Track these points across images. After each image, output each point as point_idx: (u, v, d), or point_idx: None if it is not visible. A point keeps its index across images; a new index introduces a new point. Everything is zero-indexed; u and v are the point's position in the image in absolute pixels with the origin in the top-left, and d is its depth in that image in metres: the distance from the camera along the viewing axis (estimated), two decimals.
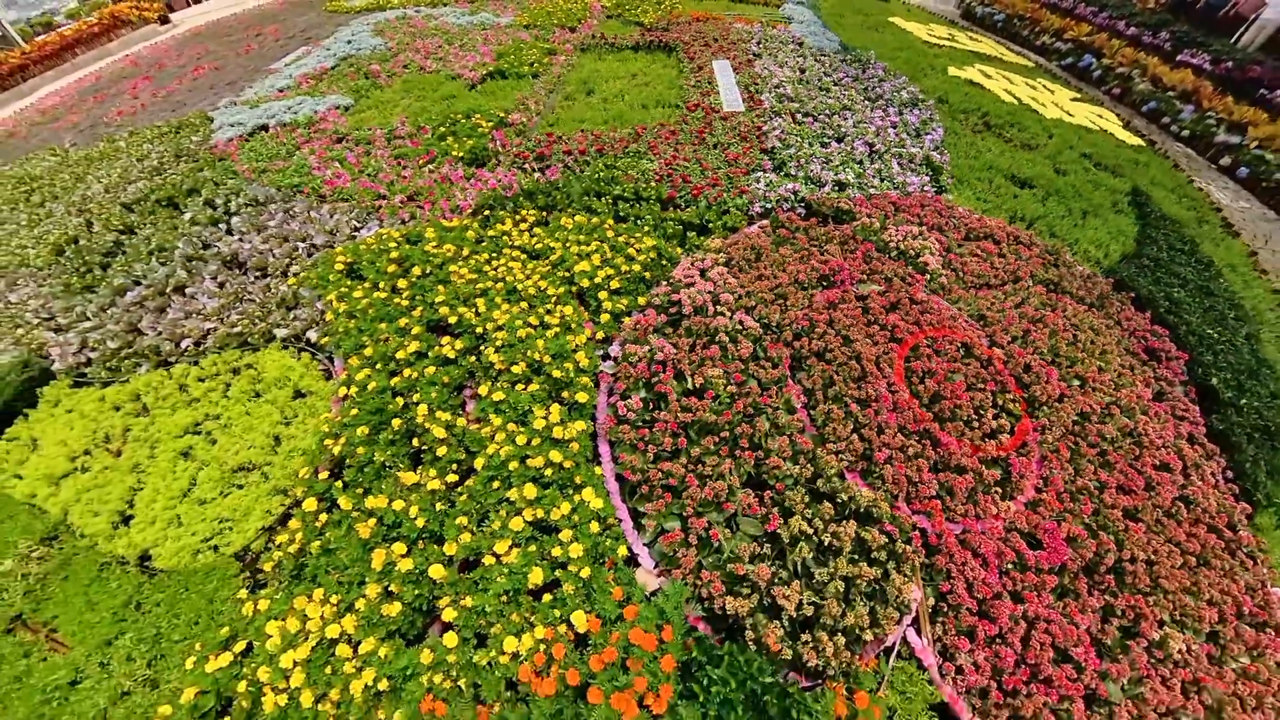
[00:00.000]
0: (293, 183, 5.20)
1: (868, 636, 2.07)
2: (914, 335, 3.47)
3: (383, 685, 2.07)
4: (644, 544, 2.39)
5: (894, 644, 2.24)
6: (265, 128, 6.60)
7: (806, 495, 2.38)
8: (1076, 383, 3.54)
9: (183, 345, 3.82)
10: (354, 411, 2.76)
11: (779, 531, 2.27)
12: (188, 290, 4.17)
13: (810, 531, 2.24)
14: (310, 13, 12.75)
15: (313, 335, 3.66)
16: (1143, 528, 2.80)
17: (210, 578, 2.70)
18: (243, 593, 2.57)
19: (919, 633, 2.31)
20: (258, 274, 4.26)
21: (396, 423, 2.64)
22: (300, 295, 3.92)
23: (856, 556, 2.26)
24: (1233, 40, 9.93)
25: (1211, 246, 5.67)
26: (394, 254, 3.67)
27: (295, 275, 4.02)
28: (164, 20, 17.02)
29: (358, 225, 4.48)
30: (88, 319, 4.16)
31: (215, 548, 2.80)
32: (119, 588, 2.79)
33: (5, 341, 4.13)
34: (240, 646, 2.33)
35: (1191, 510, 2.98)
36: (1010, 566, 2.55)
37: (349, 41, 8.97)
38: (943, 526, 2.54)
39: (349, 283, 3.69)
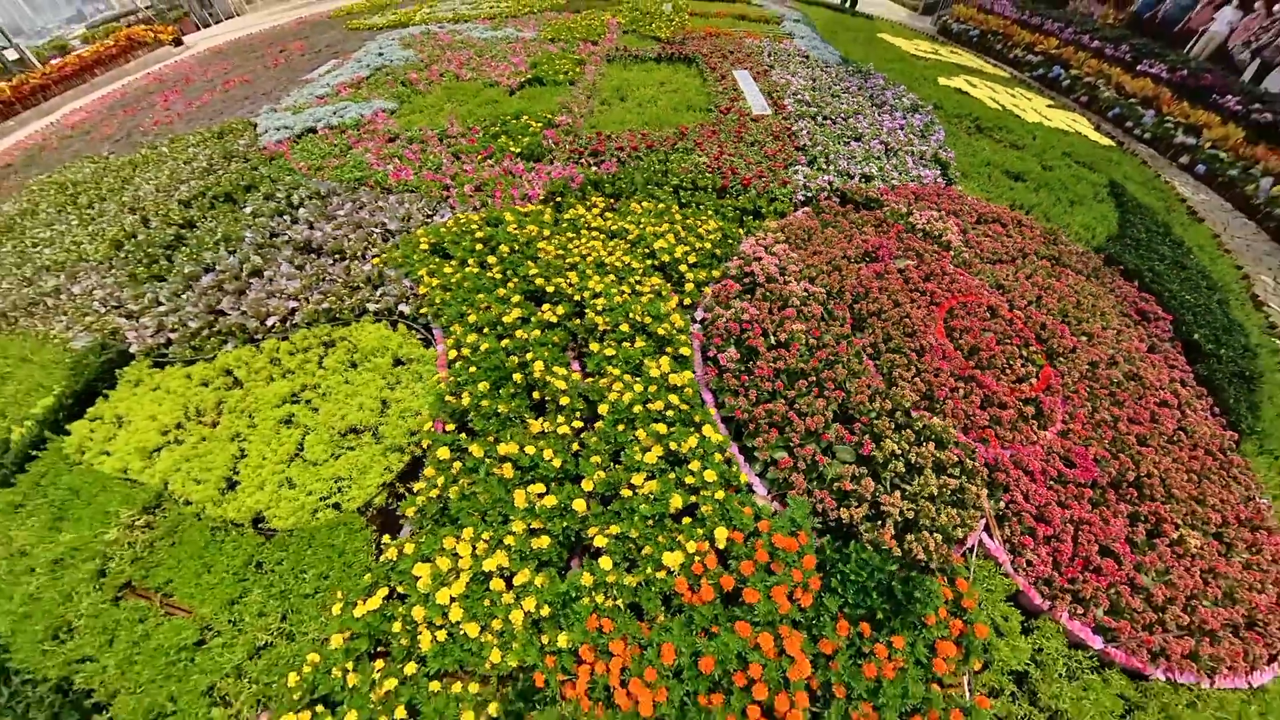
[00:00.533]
0: (354, 177, 5.48)
1: (958, 534, 2.47)
2: (949, 300, 3.94)
3: (544, 612, 2.24)
4: (755, 474, 2.76)
5: (973, 545, 2.64)
6: (313, 130, 6.86)
7: (891, 424, 2.79)
8: (1084, 338, 4.05)
9: (269, 323, 4.03)
10: (472, 369, 3.05)
11: (873, 454, 2.67)
12: (265, 274, 4.41)
13: (899, 452, 2.65)
14: (331, 31, 13.00)
15: (405, 309, 3.92)
16: (1152, 451, 3.28)
17: (335, 533, 2.82)
18: (386, 538, 2.69)
19: (990, 536, 2.72)
20: (334, 258, 4.51)
21: (518, 377, 2.94)
22: (385, 274, 4.17)
23: (935, 472, 2.67)
24: (1185, 51, 10.85)
25: (1181, 230, 6.32)
26: (479, 234, 4.00)
27: (377, 257, 4.28)
28: (177, 43, 17.22)
29: (429, 213, 4.79)
30: (161, 304, 4.36)
31: (336, 505, 2.94)
32: (236, 549, 2.87)
33: (76, 328, 4.32)
34: (383, 592, 2.41)
35: (1190, 438, 3.48)
36: (1053, 482, 2.99)
37: (380, 54, 9.27)
38: (997, 449, 2.97)
39: (436, 261, 3.99)
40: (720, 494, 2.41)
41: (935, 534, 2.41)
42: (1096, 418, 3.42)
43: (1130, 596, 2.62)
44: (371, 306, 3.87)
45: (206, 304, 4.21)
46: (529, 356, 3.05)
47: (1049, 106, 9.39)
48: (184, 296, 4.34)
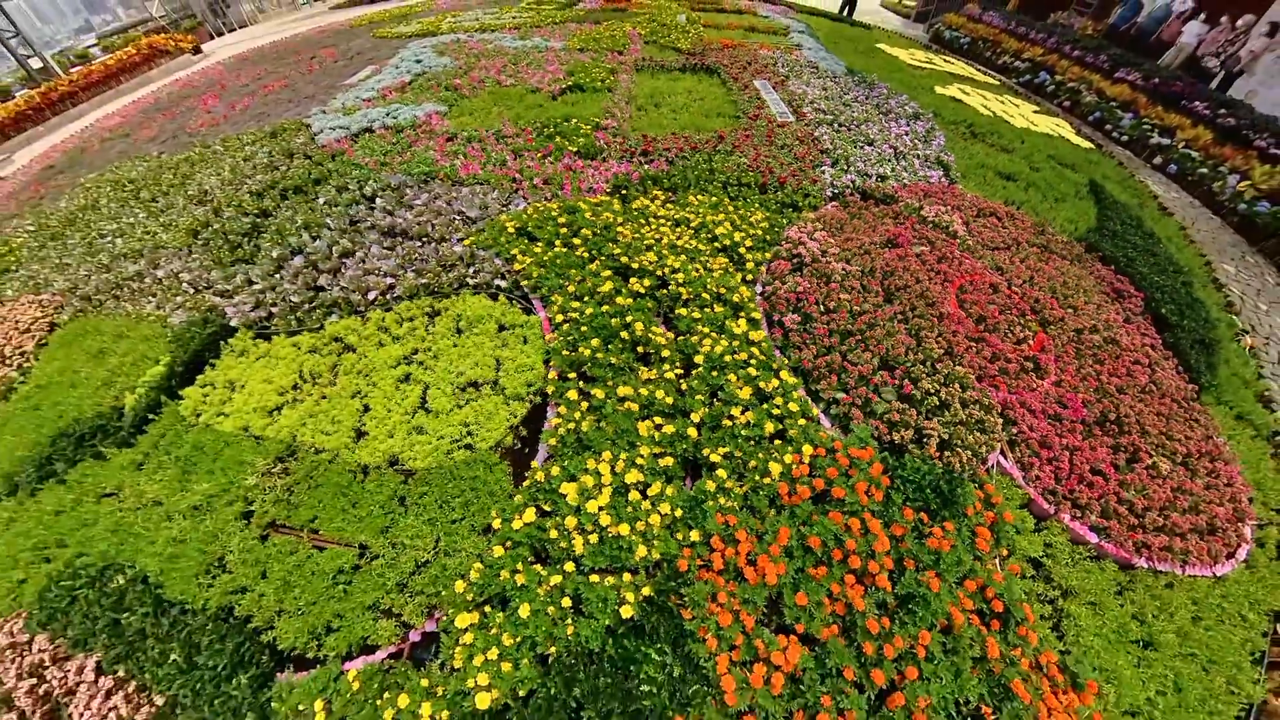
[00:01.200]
0: (422, 171, 5.96)
1: (983, 452, 3.13)
2: (959, 278, 4.61)
3: (677, 514, 2.75)
4: (821, 411, 3.41)
5: (993, 463, 3.31)
6: (369, 130, 7.33)
7: (924, 370, 3.45)
8: (1070, 310, 4.73)
9: (370, 296, 4.44)
10: (583, 329, 3.62)
11: (912, 393, 3.32)
12: (356, 255, 4.86)
13: (932, 391, 3.31)
14: (358, 39, 13.43)
15: (501, 283, 4.39)
16: (1129, 397, 3.97)
17: (473, 468, 3.19)
18: (535, 464, 3.14)
19: (1005, 457, 3.39)
20: (421, 240, 4.98)
21: (625, 334, 3.55)
22: (476, 254, 4.63)
23: (961, 406, 3.33)
24: (1158, 61, 11.67)
25: (1152, 223, 7.06)
26: (560, 220, 4.59)
27: (466, 239, 4.77)
28: (196, 51, 17.63)
29: (504, 203, 5.33)
30: (253, 283, 4.79)
31: (468, 446, 3.33)
32: (379, 487, 3.18)
33: (168, 306, 4.77)
34: (532, 511, 2.79)
35: (1159, 389, 4.17)
36: (1051, 418, 3.66)
37: (417, 61, 9.78)
38: (1005, 393, 3.64)
39: (525, 242, 4.55)
40: (801, 421, 3.05)
41: (966, 450, 3.07)
42: (1083, 372, 4.10)
43: (1117, 504, 3.30)
44: (471, 281, 4.39)
45: (304, 281, 4.67)
46: (629, 319, 3.65)
47: (1035, 113, 10.14)
48: (278, 275, 4.80)
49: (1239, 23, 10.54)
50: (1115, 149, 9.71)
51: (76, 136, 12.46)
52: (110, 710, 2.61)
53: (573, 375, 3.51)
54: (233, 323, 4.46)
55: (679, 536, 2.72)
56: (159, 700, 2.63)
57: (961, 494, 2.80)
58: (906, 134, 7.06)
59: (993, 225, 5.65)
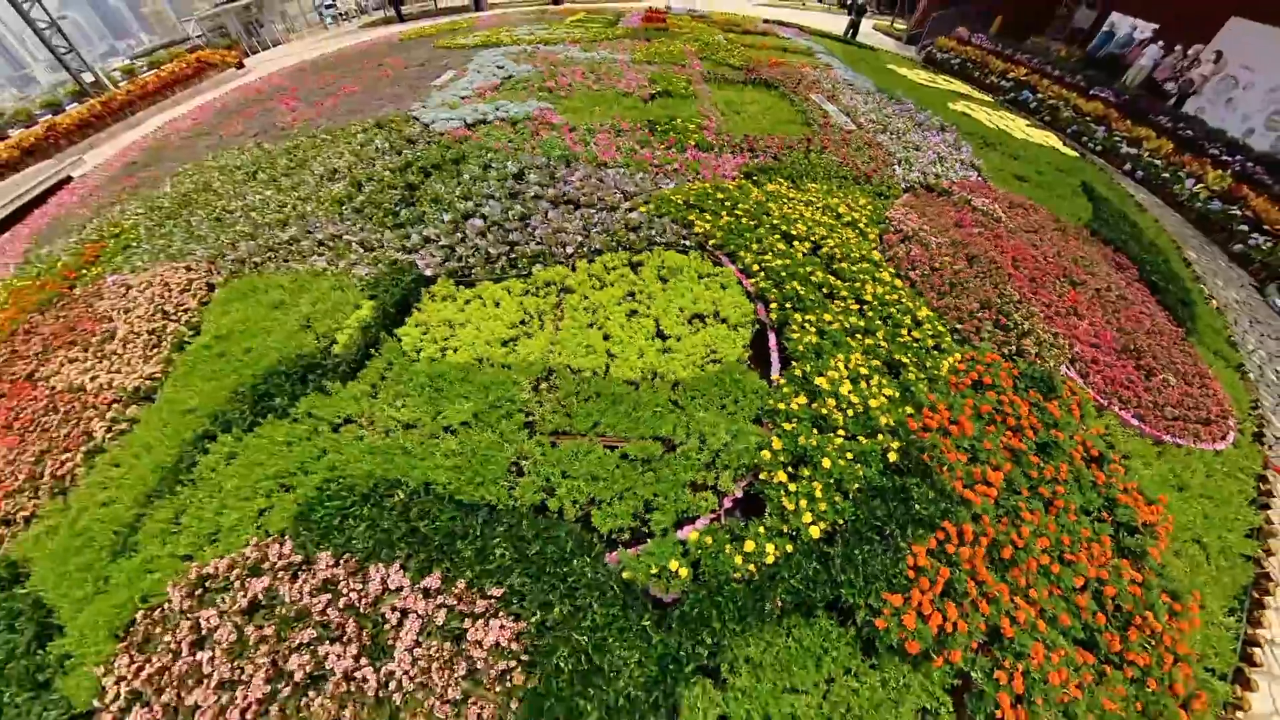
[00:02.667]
0: (560, 155, 6.70)
1: (1061, 360, 4.38)
2: (1010, 251, 5.90)
3: (895, 394, 3.79)
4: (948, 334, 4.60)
5: (1063, 372, 4.56)
6: (485, 121, 8.06)
7: (1011, 308, 4.70)
8: (1090, 275, 6.08)
9: (568, 250, 5.14)
10: (783, 274, 4.58)
11: (1007, 324, 4.56)
12: (534, 218, 5.53)
13: (1020, 321, 4.55)
14: (418, 49, 14.16)
15: (686, 242, 5.21)
16: (1141, 335, 5.30)
17: (729, 374, 3.98)
18: (777, 369, 4.09)
19: (1069, 368, 4.65)
20: (593, 208, 5.70)
21: (817, 276, 4.64)
22: (654, 220, 5.40)
23: (1040, 331, 4.59)
24: (1122, 79, 13.38)
25: (1134, 216, 8.57)
26: (719, 196, 5.64)
27: (641, 207, 5.57)
28: (239, 66, 18.19)
29: (654, 182, 6.16)
30: (432, 239, 5.46)
31: (716, 360, 4.12)
32: (653, 395, 3.85)
33: (343, 263, 5.35)
34: (803, 397, 3.67)
35: (1160, 331, 5.53)
36: (1091, 345, 4.96)
37: (500, 67, 10.65)
38: (1061, 327, 4.93)
39: (695, 212, 5.45)
40: (946, 339, 4.26)
41: (1050, 359, 4.31)
42: (1106, 317, 5.43)
43: (1148, 401, 4.59)
44: (659, 240, 5.22)
45: (495, 238, 5.33)
46: (807, 269, 4.70)
47: (1028, 126, 11.67)
48: (457, 234, 5.40)
49: (1190, 50, 12.30)
50: (1092, 157, 11.29)
51: (149, 137, 12.90)
52: (440, 610, 2.68)
53: (788, 306, 4.43)
54: (427, 273, 5.05)
55: (901, 410, 3.75)
56: (496, 593, 2.76)
57: (1057, 383, 4.04)
58: (940, 142, 8.39)
59: (1022, 214, 6.99)
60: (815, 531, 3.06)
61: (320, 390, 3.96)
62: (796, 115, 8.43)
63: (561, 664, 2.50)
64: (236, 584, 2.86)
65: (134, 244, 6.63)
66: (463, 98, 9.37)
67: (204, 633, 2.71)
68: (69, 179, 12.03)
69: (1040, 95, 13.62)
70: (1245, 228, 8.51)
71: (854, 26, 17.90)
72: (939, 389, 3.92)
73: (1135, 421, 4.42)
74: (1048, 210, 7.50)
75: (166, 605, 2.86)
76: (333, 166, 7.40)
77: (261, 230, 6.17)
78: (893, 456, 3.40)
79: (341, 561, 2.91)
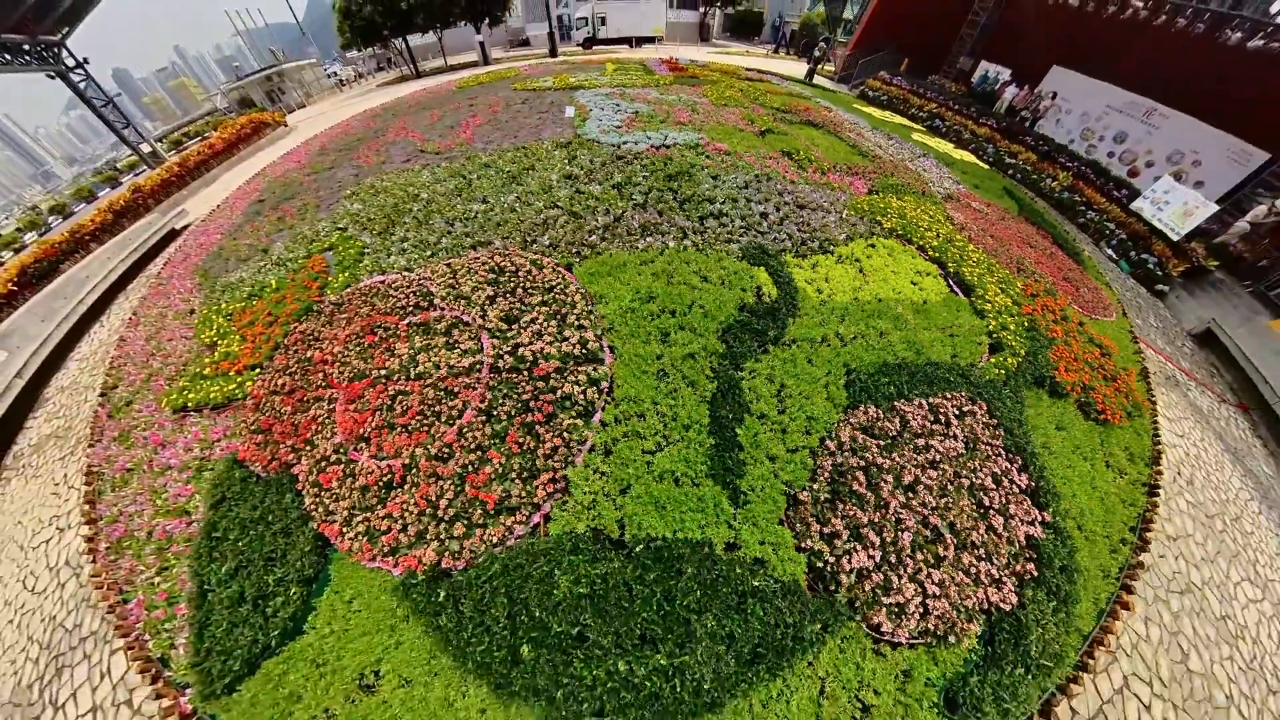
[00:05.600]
0: (755, 174, 9.57)
1: (1050, 286, 8.75)
2: (1001, 229, 10.33)
3: (1010, 301, 7.99)
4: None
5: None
6: (667, 145, 10.09)
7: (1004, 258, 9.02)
8: (1035, 241, 10.72)
9: (819, 241, 8.08)
10: (941, 247, 8.36)
11: (1023, 265, 8.84)
12: (791, 217, 8.72)
13: (1029, 265, 8.85)
14: (492, 93, 15.99)
15: (877, 232, 8.96)
16: (1065, 268, 9.96)
17: (948, 304, 7.36)
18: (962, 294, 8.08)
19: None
20: (814, 210, 8.78)
21: (956, 245, 8.47)
22: (859, 220, 8.85)
23: (1034, 272, 8.92)
24: (995, 109, 19.18)
25: (1036, 208, 13.76)
26: (885, 204, 9.25)
27: (846, 209, 9.01)
28: (283, 124, 19.70)
29: (835, 196, 9.67)
30: (733, 225, 8.66)
31: (925, 300, 7.86)
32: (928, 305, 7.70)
33: (678, 240, 8.63)
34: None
35: (1072, 267, 10.27)
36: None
37: (617, 106, 12.99)
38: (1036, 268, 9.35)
39: (878, 214, 9.06)
40: (1005, 271, 8.36)
41: (1044, 281, 8.64)
42: (1049, 261, 10.02)
43: (1079, 298, 9.13)
44: (863, 231, 8.60)
45: (788, 231, 8.21)
46: (953, 243, 8.48)
47: (954, 148, 16.85)
48: (748, 223, 8.04)
49: (1036, 90, 18.28)
50: (987, 168, 16.70)
51: (259, 180, 13.94)
52: None
53: (958, 263, 8.25)
54: (769, 249, 7.57)
55: (1018, 307, 7.86)
56: None
57: (1055, 293, 8.34)
58: (931, 165, 12.84)
59: (990, 208, 11.59)
60: (1021, 348, 6.85)
61: (773, 323, 5.98)
62: (851, 149, 12.33)
63: None
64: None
65: (369, 251, 7.89)
66: (616, 127, 11.43)
67: None
68: (174, 231, 12.79)
69: (947, 123, 19.09)
70: (1084, 208, 14.04)
71: (811, 73, 22.53)
72: (1016, 292, 8.01)
73: (1076, 307, 8.92)
74: (997, 204, 12.24)
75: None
76: (565, 173, 8.97)
77: (560, 223, 7.43)
78: (1025, 323, 7.36)
79: None
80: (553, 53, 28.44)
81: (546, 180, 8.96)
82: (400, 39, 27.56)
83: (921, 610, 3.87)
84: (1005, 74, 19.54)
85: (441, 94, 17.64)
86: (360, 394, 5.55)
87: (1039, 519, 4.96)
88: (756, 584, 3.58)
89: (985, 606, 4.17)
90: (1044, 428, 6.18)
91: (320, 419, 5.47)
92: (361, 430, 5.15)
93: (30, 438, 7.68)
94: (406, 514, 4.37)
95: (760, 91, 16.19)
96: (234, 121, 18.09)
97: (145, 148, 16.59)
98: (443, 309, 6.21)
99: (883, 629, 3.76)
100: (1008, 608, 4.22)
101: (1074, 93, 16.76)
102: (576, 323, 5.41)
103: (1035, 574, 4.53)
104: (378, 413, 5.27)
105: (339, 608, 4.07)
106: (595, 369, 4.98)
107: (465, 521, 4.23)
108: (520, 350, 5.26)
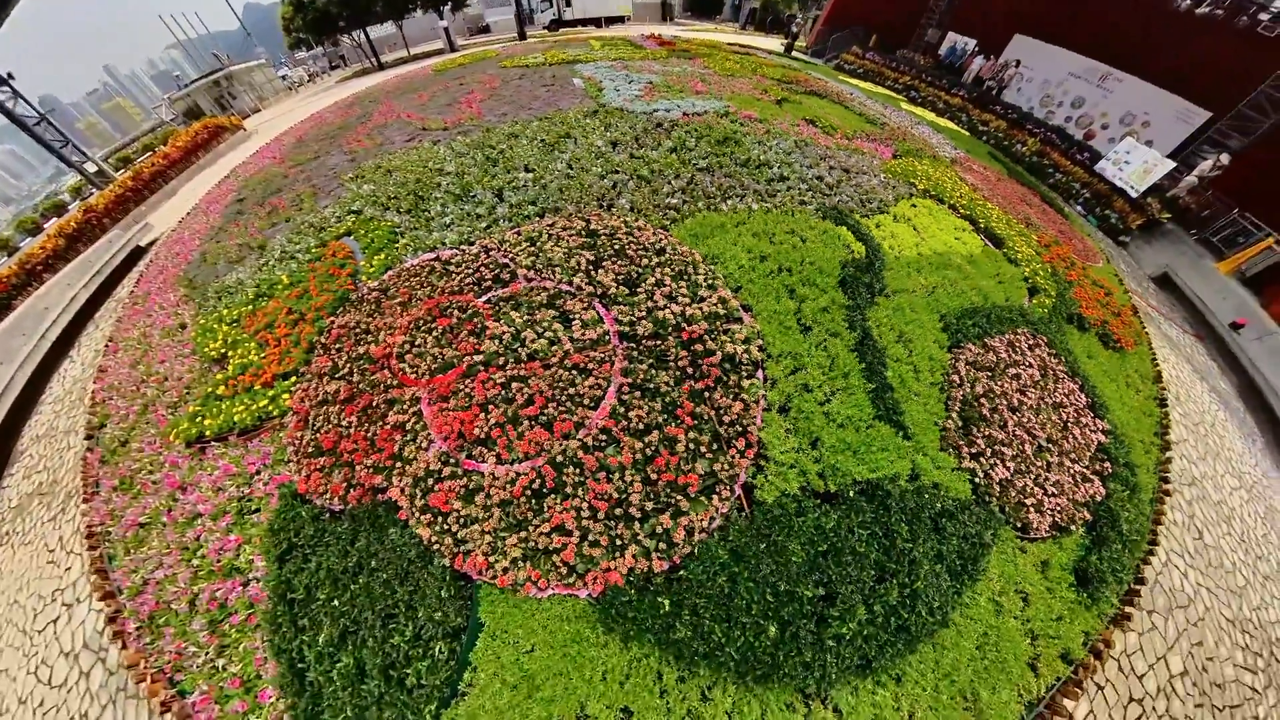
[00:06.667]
0: (793, 140, 10.10)
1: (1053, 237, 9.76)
2: (1000, 187, 11.30)
3: (1034, 252, 8.84)
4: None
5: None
6: (699, 113, 10.11)
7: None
8: (1028, 198, 11.80)
9: (876, 202, 8.64)
10: (968, 204, 9.13)
11: (1028, 218, 9.80)
12: (848, 178, 9.34)
13: (1032, 219, 9.82)
14: (485, 70, 15.25)
15: (913, 192, 9.57)
16: (1056, 221, 11.08)
17: (988, 254, 8.33)
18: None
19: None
20: (857, 174, 9.33)
21: (979, 204, 9.20)
22: (896, 182, 9.48)
23: (1035, 224, 9.92)
24: (963, 79, 20.35)
25: (1019, 170, 14.95)
26: (919, 167, 9.86)
27: (884, 173, 9.56)
28: (240, 129, 18.55)
29: (867, 161, 10.18)
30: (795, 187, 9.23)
31: (971, 253, 8.55)
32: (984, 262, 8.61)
33: (759, 202, 9.01)
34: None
35: (1058, 221, 11.43)
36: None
37: (629, 78, 12.82)
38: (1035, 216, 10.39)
39: (911, 175, 9.69)
40: (1020, 225, 9.26)
41: (1048, 233, 9.64)
42: (1041, 216, 11.10)
43: (1072, 249, 10.26)
44: (904, 192, 9.30)
45: (847, 193, 8.75)
46: (975, 201, 9.24)
47: (936, 116, 17.82)
48: (810, 185, 8.64)
49: (1000, 60, 19.51)
50: (965, 132, 17.86)
51: (233, 180, 12.86)
52: None
53: (987, 218, 9.00)
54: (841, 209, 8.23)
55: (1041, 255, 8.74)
56: None
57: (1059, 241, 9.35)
58: (930, 133, 13.64)
59: (989, 171, 12.56)
60: (1051, 290, 7.74)
61: (874, 276, 6.26)
62: (860, 117, 12.88)
63: None
64: None
65: (402, 230, 7.37)
66: (637, 95, 11.29)
67: None
68: (140, 248, 11.99)
69: (922, 94, 20.07)
70: (1052, 170, 15.40)
71: (789, 47, 22.86)
72: (1033, 243, 8.93)
73: (1074, 255, 10.04)
74: (993, 167, 13.25)
75: None
76: (611, 139, 8.95)
77: (605, 189, 7.36)
78: (1049, 270, 8.26)
79: None
80: (521, 36, 27.29)
81: (594, 146, 8.89)
82: (359, 31, 25.86)
83: (1050, 508, 4.57)
84: (972, 44, 20.62)
85: (418, 79, 16.64)
86: (454, 388, 4.56)
87: (1102, 428, 5.83)
88: (940, 506, 4.03)
89: (1084, 500, 4.95)
90: (1079, 356, 7.10)
91: (406, 425, 4.42)
92: (474, 431, 4.17)
93: (9, 498, 6.47)
94: (582, 521, 3.64)
95: (755, 64, 16.38)
96: (187, 130, 16.66)
97: (90, 167, 14.82)
98: (533, 279, 5.63)
99: (1027, 528, 4.43)
100: (1099, 499, 5.03)
101: (1035, 60, 18.03)
102: (707, 283, 5.28)
103: (1110, 471, 5.38)
104: (490, 407, 4.32)
105: (505, 655, 3.33)
106: (739, 328, 4.90)
107: (669, 512, 3.67)
108: (657, 314, 4.91)
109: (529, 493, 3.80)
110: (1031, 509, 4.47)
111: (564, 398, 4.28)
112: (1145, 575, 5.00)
